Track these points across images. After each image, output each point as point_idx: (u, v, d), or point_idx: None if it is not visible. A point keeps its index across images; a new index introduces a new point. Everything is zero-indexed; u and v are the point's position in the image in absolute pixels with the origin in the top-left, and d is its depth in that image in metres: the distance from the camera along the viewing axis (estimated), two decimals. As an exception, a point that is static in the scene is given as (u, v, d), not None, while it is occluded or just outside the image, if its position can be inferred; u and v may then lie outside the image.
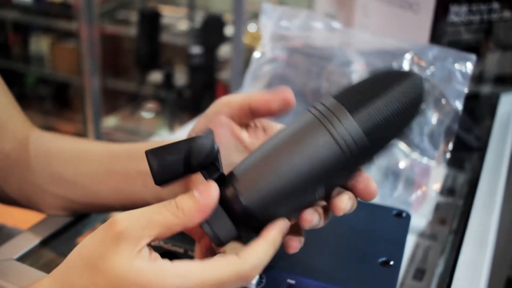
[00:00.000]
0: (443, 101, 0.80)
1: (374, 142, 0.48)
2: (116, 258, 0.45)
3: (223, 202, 0.48)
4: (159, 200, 0.64)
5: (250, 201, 0.47)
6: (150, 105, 3.18)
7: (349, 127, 0.47)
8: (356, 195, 0.51)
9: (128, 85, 3.25)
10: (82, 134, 2.90)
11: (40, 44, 3.58)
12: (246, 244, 0.48)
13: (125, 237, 0.45)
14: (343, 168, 0.48)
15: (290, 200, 0.48)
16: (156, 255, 0.47)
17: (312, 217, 0.50)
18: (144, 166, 0.65)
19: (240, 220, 0.48)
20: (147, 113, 3.16)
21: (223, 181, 0.49)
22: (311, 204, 0.50)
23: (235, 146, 0.59)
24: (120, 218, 0.46)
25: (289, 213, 0.50)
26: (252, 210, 0.48)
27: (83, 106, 2.46)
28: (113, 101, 3.16)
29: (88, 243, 0.47)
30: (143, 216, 0.47)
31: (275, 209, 0.48)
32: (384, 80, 0.49)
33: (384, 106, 0.47)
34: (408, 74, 0.50)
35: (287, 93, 0.55)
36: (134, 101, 3.19)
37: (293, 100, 0.55)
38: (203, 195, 0.47)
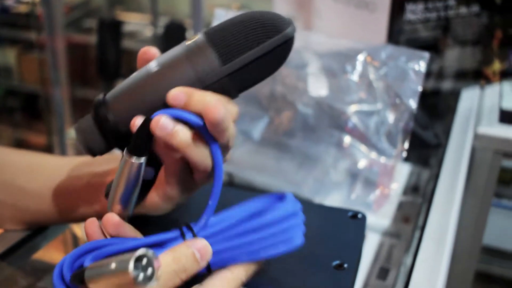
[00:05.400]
0: (397, 100, 0.81)
1: (234, 80, 0.51)
2: None
3: (97, 119, 0.51)
4: (105, 207, 0.65)
5: (117, 117, 0.50)
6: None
7: (209, 59, 0.50)
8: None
9: (96, 94, 3.23)
10: (51, 145, 2.88)
11: (6, 56, 3.54)
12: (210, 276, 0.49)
13: None
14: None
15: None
16: None
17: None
18: (96, 178, 0.66)
19: (108, 135, 0.51)
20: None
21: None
22: None
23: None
24: None
25: None
26: (118, 126, 0.50)
27: (49, 118, 2.44)
28: (83, 111, 3.13)
29: None
30: None
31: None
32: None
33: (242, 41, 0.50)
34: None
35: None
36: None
37: None
38: None
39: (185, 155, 0.50)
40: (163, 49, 0.55)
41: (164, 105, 0.49)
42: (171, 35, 2.76)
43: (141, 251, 0.41)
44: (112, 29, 2.90)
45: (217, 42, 0.50)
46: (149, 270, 0.41)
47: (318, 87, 0.84)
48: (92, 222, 0.52)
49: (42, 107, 3.54)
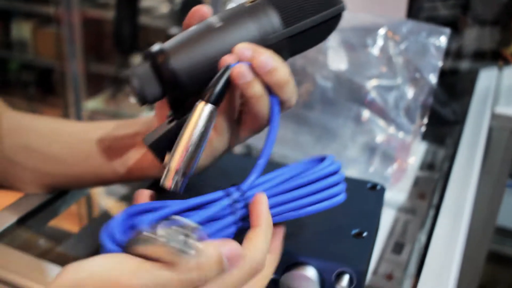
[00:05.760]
0: (418, 75, 0.81)
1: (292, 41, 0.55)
2: None
3: (155, 67, 0.53)
4: (127, 170, 0.66)
5: (177, 66, 0.52)
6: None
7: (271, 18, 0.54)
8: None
9: (111, 69, 3.23)
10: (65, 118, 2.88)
11: (22, 30, 3.54)
12: (245, 238, 0.48)
13: None
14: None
15: (211, 71, 0.52)
16: None
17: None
18: (118, 141, 0.67)
19: (166, 83, 0.53)
20: (129, 95, 3.14)
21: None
22: None
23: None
24: None
25: None
26: (178, 74, 0.52)
27: (64, 91, 2.45)
28: (97, 85, 3.14)
29: None
30: None
31: (197, 78, 0.53)
32: None
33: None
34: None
35: None
36: (117, 84, 3.17)
37: None
38: None
39: (252, 105, 0.52)
40: (181, 24, 0.57)
41: None
42: (188, 11, 2.75)
43: (186, 222, 0.40)
44: (129, 5, 2.89)
45: (280, 6, 0.55)
46: (191, 242, 0.40)
47: (337, 61, 0.85)
48: (144, 192, 0.52)
49: (57, 81, 3.55)
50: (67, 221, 0.83)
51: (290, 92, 0.53)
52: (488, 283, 1.58)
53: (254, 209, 0.48)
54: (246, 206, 0.49)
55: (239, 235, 0.48)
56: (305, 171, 0.52)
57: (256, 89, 0.51)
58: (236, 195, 0.49)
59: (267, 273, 0.49)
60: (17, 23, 3.58)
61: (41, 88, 3.73)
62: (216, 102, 0.50)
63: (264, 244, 0.47)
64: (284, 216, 0.50)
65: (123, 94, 3.14)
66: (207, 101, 0.49)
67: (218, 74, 0.50)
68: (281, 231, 0.51)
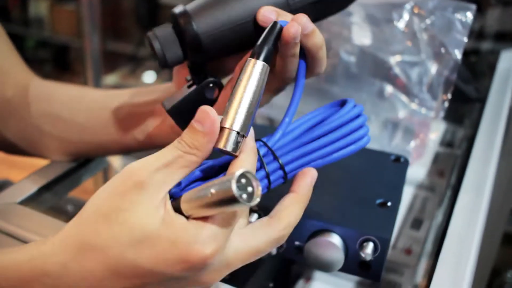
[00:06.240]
0: (443, 50, 0.80)
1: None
2: (140, 210, 0.41)
3: (177, 29, 0.53)
4: (147, 137, 0.67)
5: (200, 29, 0.52)
6: (150, 64, 3.16)
7: None
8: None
9: (128, 46, 3.23)
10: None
11: (39, 7, 3.55)
12: (278, 203, 0.48)
13: (147, 186, 0.41)
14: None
15: (234, 35, 0.53)
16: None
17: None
18: (137, 108, 0.67)
19: (189, 46, 0.53)
20: (147, 72, 3.14)
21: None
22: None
23: None
24: (137, 167, 0.42)
25: (231, 50, 0.54)
26: (201, 38, 0.52)
27: (83, 68, 2.45)
28: (113, 63, 3.14)
29: (104, 196, 0.42)
30: (159, 162, 0.42)
31: (220, 42, 0.53)
32: None
33: None
34: None
35: None
36: (134, 61, 3.18)
37: None
38: (206, 124, 0.43)
39: (286, 64, 0.52)
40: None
41: (252, 22, 0.52)
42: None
43: (241, 171, 0.39)
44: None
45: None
46: (249, 189, 0.39)
47: (362, 36, 0.84)
48: None
49: (73, 58, 3.56)
50: (86, 193, 0.84)
51: (323, 56, 0.53)
52: (502, 265, 1.57)
53: (300, 179, 0.48)
54: (274, 160, 0.49)
55: (269, 189, 0.49)
56: (328, 117, 0.51)
57: (297, 49, 0.51)
58: (263, 150, 0.48)
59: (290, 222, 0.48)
60: (35, 0, 3.58)
61: (57, 66, 3.74)
62: (267, 60, 0.48)
63: (298, 214, 0.47)
64: (312, 164, 0.50)
65: (140, 71, 3.14)
66: (258, 58, 0.47)
67: (266, 31, 0.49)
68: (313, 175, 0.49)
